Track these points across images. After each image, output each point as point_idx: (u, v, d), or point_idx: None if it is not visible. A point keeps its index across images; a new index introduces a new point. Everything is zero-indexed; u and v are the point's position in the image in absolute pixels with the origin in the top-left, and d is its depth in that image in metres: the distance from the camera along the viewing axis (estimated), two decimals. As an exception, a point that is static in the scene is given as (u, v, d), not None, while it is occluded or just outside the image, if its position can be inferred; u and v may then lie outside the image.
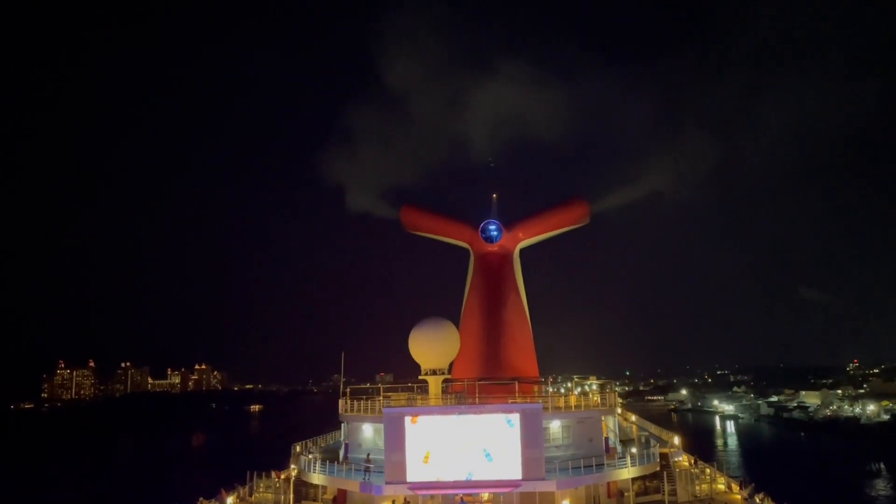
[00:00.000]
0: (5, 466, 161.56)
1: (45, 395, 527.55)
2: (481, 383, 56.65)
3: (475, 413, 48.27)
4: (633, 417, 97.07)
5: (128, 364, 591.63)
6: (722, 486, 57.23)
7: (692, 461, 62.49)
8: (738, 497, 55.27)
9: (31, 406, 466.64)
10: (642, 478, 53.12)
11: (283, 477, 57.26)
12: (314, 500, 54.69)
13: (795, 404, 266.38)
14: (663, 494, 53.33)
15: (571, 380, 62.33)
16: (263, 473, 60.54)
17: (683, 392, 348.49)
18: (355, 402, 58.08)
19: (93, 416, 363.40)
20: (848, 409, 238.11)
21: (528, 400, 53.63)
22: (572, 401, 57.31)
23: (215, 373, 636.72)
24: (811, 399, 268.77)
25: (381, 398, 57.35)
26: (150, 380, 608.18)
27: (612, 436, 59.47)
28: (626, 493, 51.71)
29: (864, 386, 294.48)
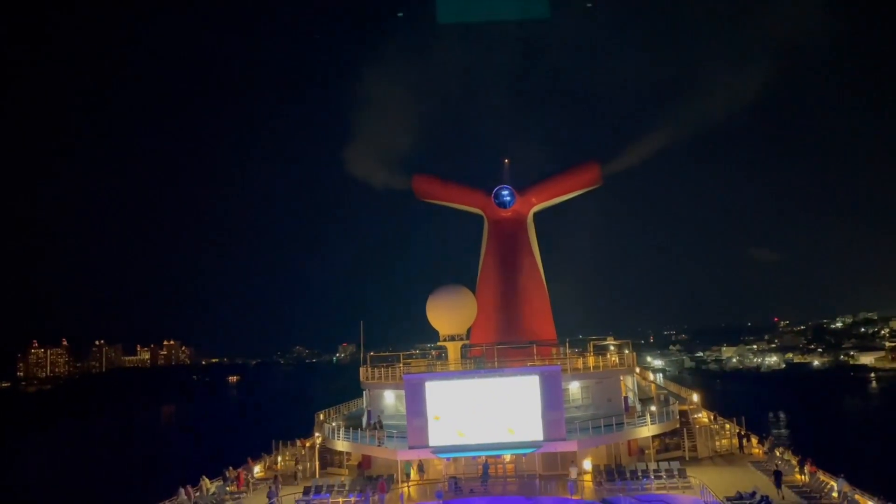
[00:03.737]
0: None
1: (21, 374, 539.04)
2: (500, 348, 57.19)
3: (495, 377, 48.83)
4: (652, 377, 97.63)
5: (101, 342, 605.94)
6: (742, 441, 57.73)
7: (712, 417, 63.05)
8: (758, 451, 55.85)
9: (9, 385, 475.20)
10: (662, 435, 53.73)
11: (307, 445, 58.29)
12: (339, 467, 55.72)
13: (713, 358, 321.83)
14: (684, 451, 53.99)
15: (587, 343, 62.66)
16: (288, 442, 61.76)
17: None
18: (376, 370, 58.89)
19: (81, 393, 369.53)
20: (754, 361, 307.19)
21: (547, 362, 54.13)
22: (590, 362, 57.77)
23: (183, 348, 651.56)
24: (727, 353, 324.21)
25: (401, 365, 58.04)
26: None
27: (631, 395, 60.04)
28: (646, 451, 52.33)
29: (776, 341, 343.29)
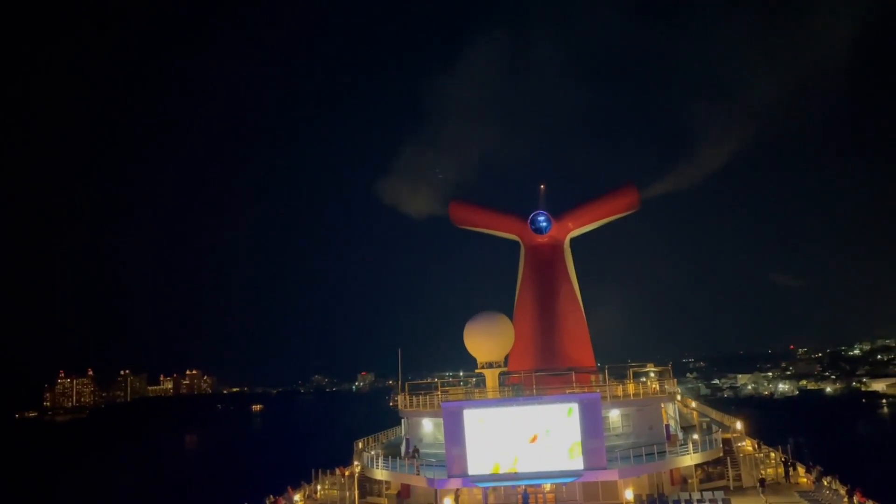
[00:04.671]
0: (51, 472, 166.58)
1: (48, 404, 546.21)
2: (538, 375, 56.80)
3: (534, 404, 48.49)
4: (694, 404, 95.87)
5: (127, 372, 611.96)
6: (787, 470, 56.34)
7: (756, 445, 61.63)
8: (805, 480, 54.42)
9: (35, 415, 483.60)
10: (705, 464, 52.67)
11: (347, 473, 58.33)
12: (378, 496, 55.59)
13: (728, 385, 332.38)
14: (728, 480, 52.83)
15: (626, 369, 61.93)
16: (328, 471, 61.85)
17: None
18: (414, 398, 58.85)
19: (113, 422, 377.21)
20: (768, 388, 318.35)
21: (586, 389, 53.61)
22: (630, 389, 57.05)
23: (205, 377, 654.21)
24: (743, 380, 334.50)
25: (439, 393, 57.94)
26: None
27: (672, 423, 59.03)
28: (689, 480, 51.35)
29: (791, 368, 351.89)
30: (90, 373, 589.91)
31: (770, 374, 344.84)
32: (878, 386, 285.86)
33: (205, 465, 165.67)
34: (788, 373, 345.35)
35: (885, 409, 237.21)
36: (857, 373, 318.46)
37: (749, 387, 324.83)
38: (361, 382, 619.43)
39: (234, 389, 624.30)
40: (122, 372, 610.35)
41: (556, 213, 69.65)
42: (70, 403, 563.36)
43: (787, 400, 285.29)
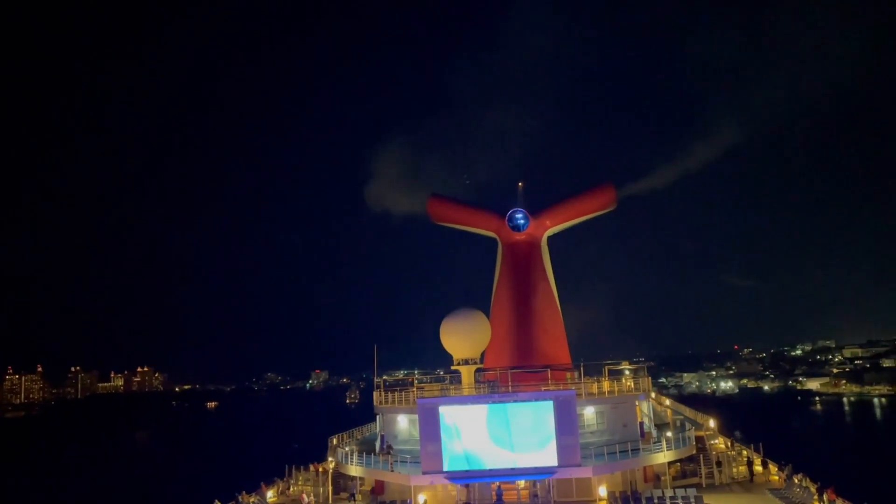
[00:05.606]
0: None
1: None
2: (514, 372, 56.81)
3: (509, 401, 48.45)
4: (668, 402, 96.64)
5: (77, 368, 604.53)
6: (759, 468, 56.89)
7: (729, 443, 62.14)
8: (777, 478, 54.94)
9: None
10: (679, 461, 53.03)
11: (321, 469, 57.97)
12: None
13: (674, 383, 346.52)
14: (700, 477, 53.20)
15: (602, 367, 62.17)
16: (301, 467, 61.40)
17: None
18: (389, 394, 58.65)
19: (64, 419, 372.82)
20: (710, 385, 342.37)
21: (561, 387, 53.69)
22: (605, 386, 57.26)
23: (157, 374, 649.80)
24: (687, 379, 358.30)
25: (414, 389, 57.75)
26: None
27: (646, 420, 59.38)
28: (662, 477, 51.62)
29: (733, 367, 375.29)
30: (39, 369, 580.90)
31: (714, 372, 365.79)
32: (813, 385, 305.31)
33: (169, 463, 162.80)
34: (731, 372, 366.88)
35: (819, 406, 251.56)
36: (795, 372, 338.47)
37: (693, 385, 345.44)
38: (315, 380, 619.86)
39: (186, 387, 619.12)
40: (72, 368, 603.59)
41: (534, 210, 69.77)
42: (18, 400, 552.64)
43: (726, 397, 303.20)
